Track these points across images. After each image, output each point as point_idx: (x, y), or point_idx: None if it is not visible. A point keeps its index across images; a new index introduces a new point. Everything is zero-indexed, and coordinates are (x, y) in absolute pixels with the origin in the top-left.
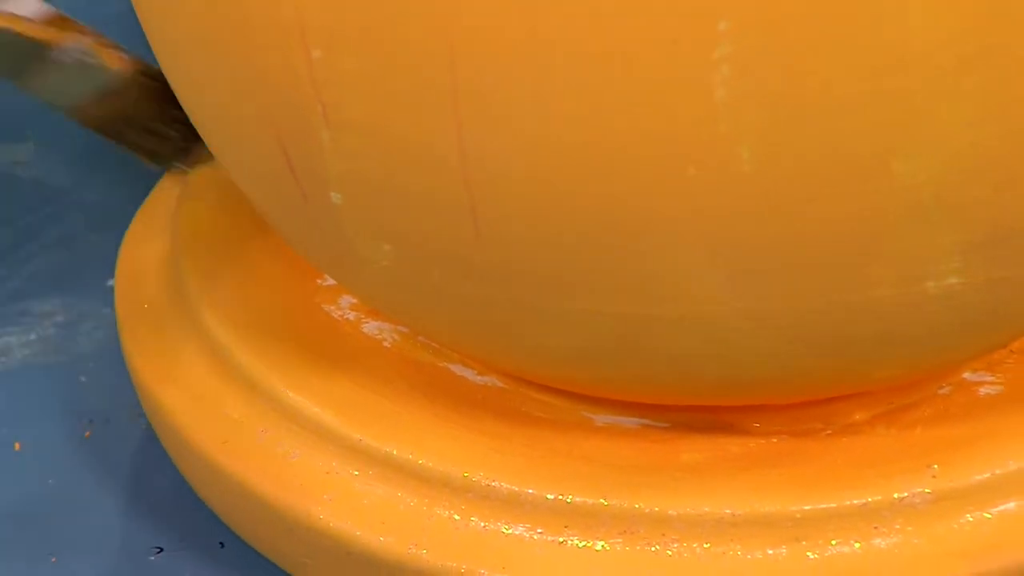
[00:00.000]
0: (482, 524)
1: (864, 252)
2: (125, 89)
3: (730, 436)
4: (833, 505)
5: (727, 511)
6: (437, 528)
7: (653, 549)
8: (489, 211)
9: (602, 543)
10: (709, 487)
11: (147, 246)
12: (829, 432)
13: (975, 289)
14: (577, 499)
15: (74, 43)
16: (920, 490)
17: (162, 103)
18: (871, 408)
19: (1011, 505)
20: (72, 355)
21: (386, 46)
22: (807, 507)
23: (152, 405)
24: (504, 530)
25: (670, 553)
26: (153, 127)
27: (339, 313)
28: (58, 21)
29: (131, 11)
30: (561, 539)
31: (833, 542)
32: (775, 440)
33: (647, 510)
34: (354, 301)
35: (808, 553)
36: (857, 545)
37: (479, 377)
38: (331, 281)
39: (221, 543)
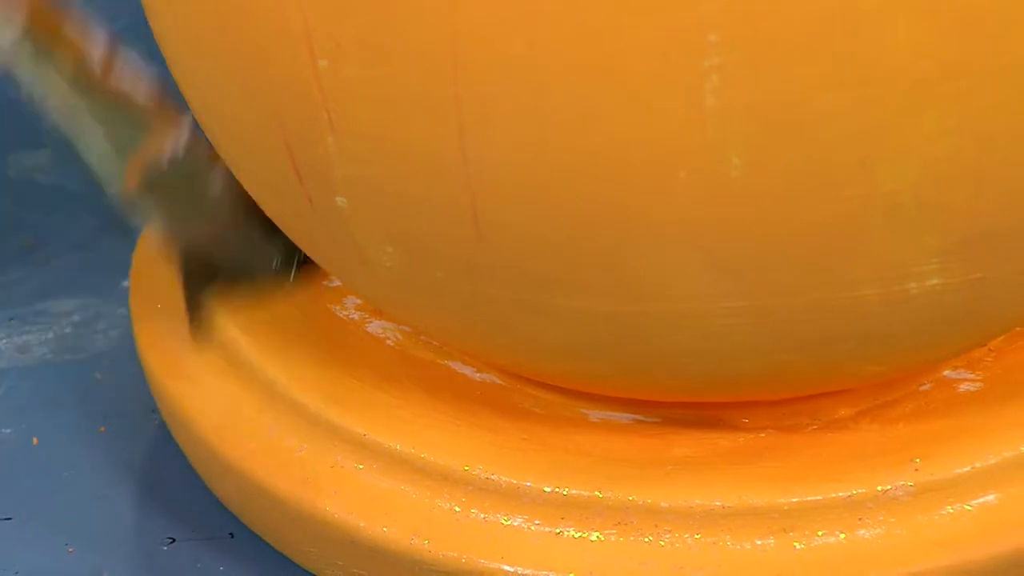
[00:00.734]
0: (482, 516)
1: (847, 254)
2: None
3: (720, 431)
4: (819, 497)
5: (717, 503)
6: (438, 519)
7: (646, 540)
8: (489, 214)
9: (597, 534)
10: (700, 480)
11: (160, 250)
12: (815, 427)
13: (954, 289)
14: (573, 492)
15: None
16: (903, 483)
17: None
18: (856, 404)
19: (990, 497)
20: (88, 353)
21: (391, 57)
22: (794, 499)
23: (165, 401)
24: (503, 521)
25: (662, 543)
26: (250, 239)
27: (344, 313)
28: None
29: (137, 24)
30: (558, 530)
31: (819, 533)
32: (763, 435)
33: (640, 502)
34: (359, 302)
35: (795, 543)
36: (842, 536)
37: (478, 374)
38: (337, 283)
39: (231, 533)
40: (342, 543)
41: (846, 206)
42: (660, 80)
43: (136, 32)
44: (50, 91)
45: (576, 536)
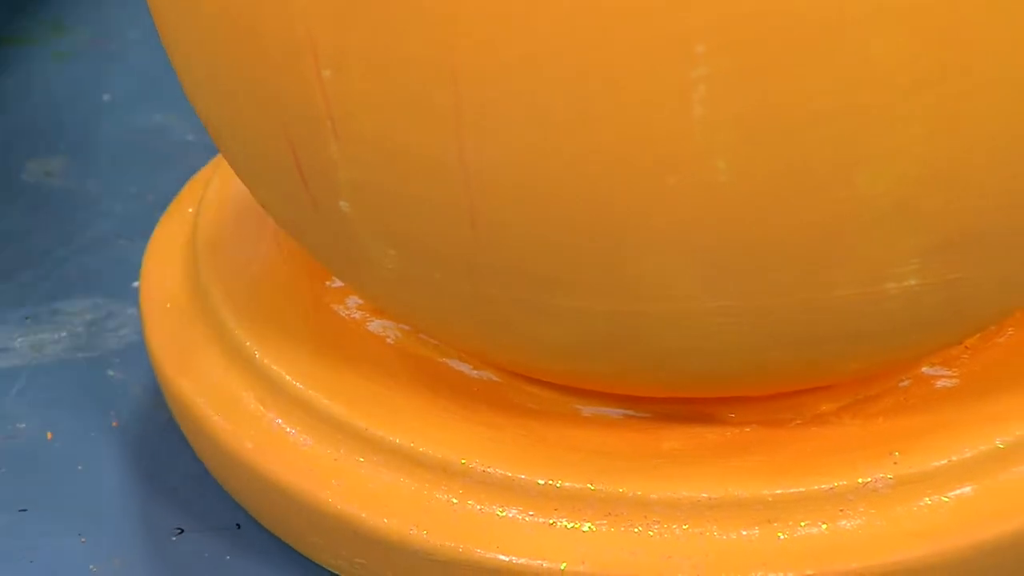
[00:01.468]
0: (478, 507)
1: (829, 255)
2: None
3: (707, 425)
4: (802, 489)
5: (704, 495)
6: (436, 511)
7: (636, 530)
8: (487, 217)
9: (589, 524)
10: (688, 473)
11: (169, 251)
12: (799, 422)
13: (932, 290)
14: (566, 484)
15: None
16: (882, 475)
17: None
18: (837, 400)
19: (967, 489)
20: (100, 351)
21: (392, 65)
22: (778, 491)
23: (173, 397)
24: (498, 512)
25: (651, 534)
26: None
27: (346, 312)
28: None
29: (147, 35)
30: (551, 521)
31: (802, 523)
32: (749, 429)
33: (630, 494)
34: (360, 301)
35: (779, 534)
36: (824, 526)
37: (475, 371)
38: (339, 283)
39: (238, 525)
40: (344, 533)
41: (828, 210)
42: (650, 89)
43: (147, 42)
44: None
45: (568, 527)
